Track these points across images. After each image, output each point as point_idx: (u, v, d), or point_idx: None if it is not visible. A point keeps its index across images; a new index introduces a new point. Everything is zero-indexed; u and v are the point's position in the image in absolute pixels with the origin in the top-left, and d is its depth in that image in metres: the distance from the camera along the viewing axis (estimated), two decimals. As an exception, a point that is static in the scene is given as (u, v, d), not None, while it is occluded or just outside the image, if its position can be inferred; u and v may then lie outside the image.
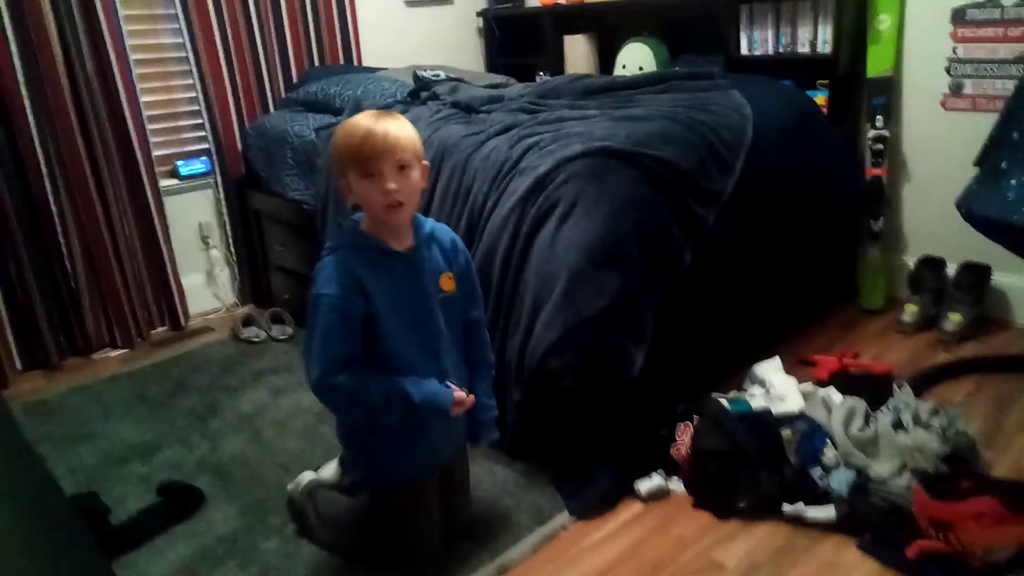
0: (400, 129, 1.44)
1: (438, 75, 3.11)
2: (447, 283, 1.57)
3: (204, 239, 3.25)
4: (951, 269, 2.69)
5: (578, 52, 3.61)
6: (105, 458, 2.18)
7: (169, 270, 3.04)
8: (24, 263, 2.68)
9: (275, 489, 1.96)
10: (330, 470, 1.91)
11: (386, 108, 2.73)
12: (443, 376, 1.56)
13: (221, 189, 3.21)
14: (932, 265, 2.73)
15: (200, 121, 3.14)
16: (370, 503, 1.69)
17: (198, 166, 3.16)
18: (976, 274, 2.62)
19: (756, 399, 2.04)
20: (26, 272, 2.68)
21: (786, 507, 1.74)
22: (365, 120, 1.43)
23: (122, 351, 2.93)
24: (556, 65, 3.70)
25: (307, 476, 1.86)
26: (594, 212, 1.89)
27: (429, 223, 1.59)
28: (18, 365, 2.76)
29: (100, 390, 2.61)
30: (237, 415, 2.38)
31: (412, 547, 1.63)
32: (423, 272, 1.53)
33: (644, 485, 1.84)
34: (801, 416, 1.92)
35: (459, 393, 1.54)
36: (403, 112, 2.66)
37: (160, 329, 3.10)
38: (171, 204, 3.08)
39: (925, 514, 1.61)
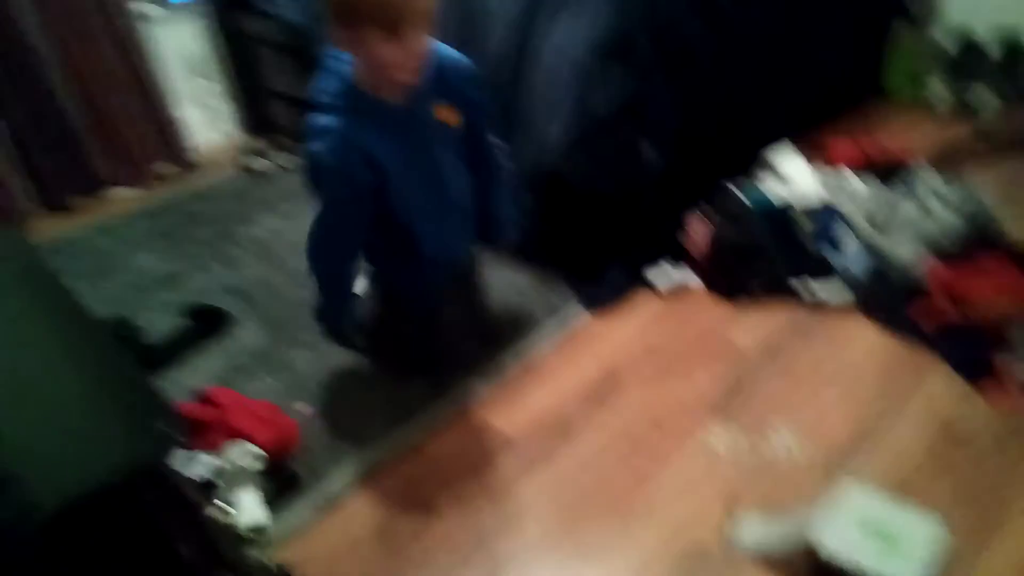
0: None
1: None
2: (448, 116, 1.46)
3: (197, 69, 3.11)
4: (989, 51, 2.52)
5: None
6: (132, 289, 2.23)
7: (166, 104, 2.94)
8: (15, 104, 2.60)
9: (299, 307, 2.01)
10: (361, 285, 1.93)
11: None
12: (448, 202, 1.54)
13: (210, 14, 3.02)
14: (968, 49, 2.55)
15: (174, -64, 2.89)
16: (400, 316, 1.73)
17: (181, -11, 2.95)
18: (1015, 56, 2.45)
19: (771, 187, 1.99)
20: (22, 114, 2.61)
21: (803, 282, 1.74)
22: None
23: (136, 190, 2.92)
24: None
25: None
26: (603, 3, 1.75)
27: (434, 60, 1.40)
28: (33, 207, 2.77)
29: (118, 227, 2.63)
30: (254, 242, 2.40)
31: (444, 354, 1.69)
32: (425, 119, 1.43)
33: (662, 281, 1.85)
34: (819, 203, 1.88)
35: None
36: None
37: (170, 167, 3.06)
38: (160, 34, 2.91)
39: (941, 285, 1.62)
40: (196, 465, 1.21)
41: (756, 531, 1.25)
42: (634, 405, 1.56)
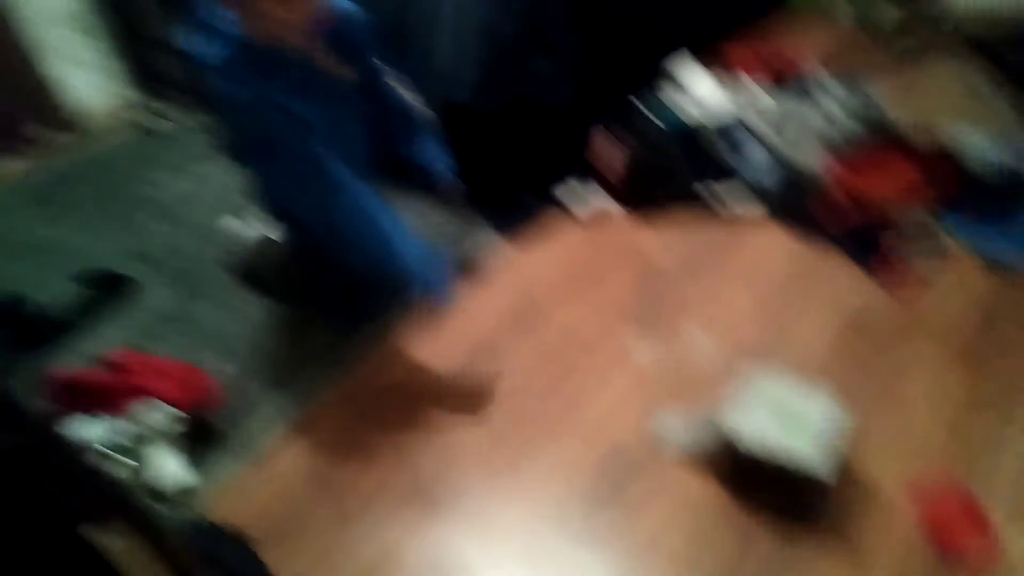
0: None
1: None
2: (343, 70, 1.43)
3: (73, 23, 2.88)
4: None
5: None
6: (22, 262, 2.09)
7: (36, 62, 2.72)
8: None
9: (211, 268, 1.92)
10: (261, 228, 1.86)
11: None
12: (347, 155, 1.46)
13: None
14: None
15: None
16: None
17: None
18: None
19: (679, 103, 1.99)
20: None
21: (716, 191, 1.78)
22: None
23: (17, 159, 2.72)
24: None
25: (231, 222, 1.81)
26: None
27: (327, 14, 1.36)
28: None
29: (5, 200, 2.45)
30: (156, 204, 2.29)
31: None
32: (321, 74, 1.38)
33: (578, 205, 1.85)
34: (727, 116, 1.90)
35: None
36: None
37: (48, 131, 2.85)
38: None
39: (841, 186, 1.67)
40: (95, 427, 1.15)
41: (677, 429, 1.29)
42: (558, 327, 1.57)
